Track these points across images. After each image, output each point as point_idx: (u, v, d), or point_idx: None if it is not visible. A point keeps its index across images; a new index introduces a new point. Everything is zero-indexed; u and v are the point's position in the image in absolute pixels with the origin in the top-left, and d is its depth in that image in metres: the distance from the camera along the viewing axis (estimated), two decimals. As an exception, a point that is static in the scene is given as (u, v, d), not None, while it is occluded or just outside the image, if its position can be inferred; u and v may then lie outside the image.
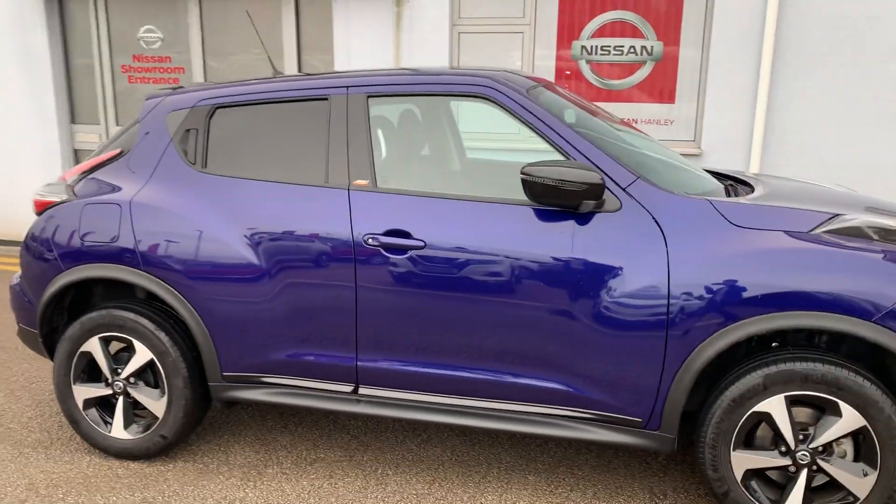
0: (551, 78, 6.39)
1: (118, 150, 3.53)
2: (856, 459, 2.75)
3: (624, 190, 2.90)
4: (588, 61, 6.30)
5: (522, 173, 2.82)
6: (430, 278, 2.98)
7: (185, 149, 3.38)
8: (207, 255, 3.21)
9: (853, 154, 5.91)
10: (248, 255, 3.17)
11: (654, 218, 2.84)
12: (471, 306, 2.96)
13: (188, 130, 3.40)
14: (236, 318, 3.23)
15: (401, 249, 3.00)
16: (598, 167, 2.92)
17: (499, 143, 6.47)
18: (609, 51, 6.23)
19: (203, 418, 3.54)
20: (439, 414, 3.11)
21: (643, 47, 6.17)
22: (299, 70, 6.96)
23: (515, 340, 2.95)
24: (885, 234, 2.78)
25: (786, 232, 2.76)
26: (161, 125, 3.45)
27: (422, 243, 2.98)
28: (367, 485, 3.26)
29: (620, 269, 2.81)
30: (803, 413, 2.78)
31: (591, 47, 6.26)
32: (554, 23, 6.29)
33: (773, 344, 2.97)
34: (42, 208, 3.52)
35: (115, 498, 3.17)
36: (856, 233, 2.75)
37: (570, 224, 2.88)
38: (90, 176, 3.54)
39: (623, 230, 2.85)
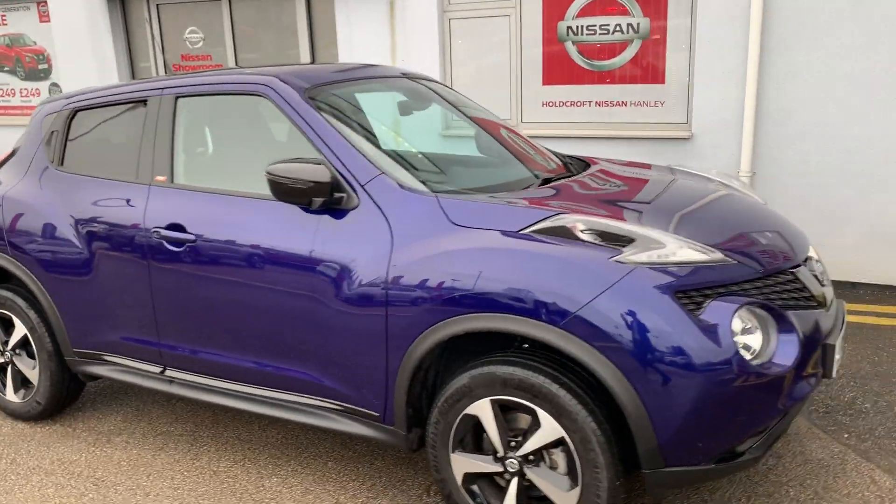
0: (538, 62, 6.21)
1: (13, 150, 4.03)
2: (569, 472, 2.60)
3: (362, 187, 2.90)
4: (574, 42, 6.05)
5: (266, 172, 2.91)
6: (200, 270, 3.17)
7: (49, 148, 3.80)
8: (52, 244, 3.60)
9: (862, 135, 5.23)
10: (78, 244, 3.52)
11: (383, 214, 2.83)
12: (233, 298, 3.11)
13: (53, 132, 3.81)
14: (76, 300, 3.60)
15: (179, 242, 3.21)
16: (342, 163, 2.94)
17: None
18: (595, 30, 5.95)
19: (78, 388, 3.97)
20: (229, 398, 3.28)
21: (629, 25, 5.83)
22: (312, 62, 7.29)
23: (272, 331, 3.06)
24: (604, 236, 2.56)
25: (500, 231, 2.65)
26: (38, 127, 3.89)
27: (193, 237, 3.17)
28: (181, 458, 3.53)
29: (350, 264, 2.83)
30: (525, 420, 2.66)
31: (577, 27, 6.01)
32: (538, 3, 6.10)
33: (525, 346, 2.85)
34: (-44, 201, 4.10)
35: (-19, 452, 3.68)
36: (561, 232, 2.57)
37: (316, 220, 2.94)
38: (-2, 171, 4.07)
39: (356, 226, 2.86)
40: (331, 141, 3.01)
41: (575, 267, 2.46)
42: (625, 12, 5.81)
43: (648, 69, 5.85)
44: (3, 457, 3.62)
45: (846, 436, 3.48)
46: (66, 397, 3.93)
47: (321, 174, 2.82)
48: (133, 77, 8.30)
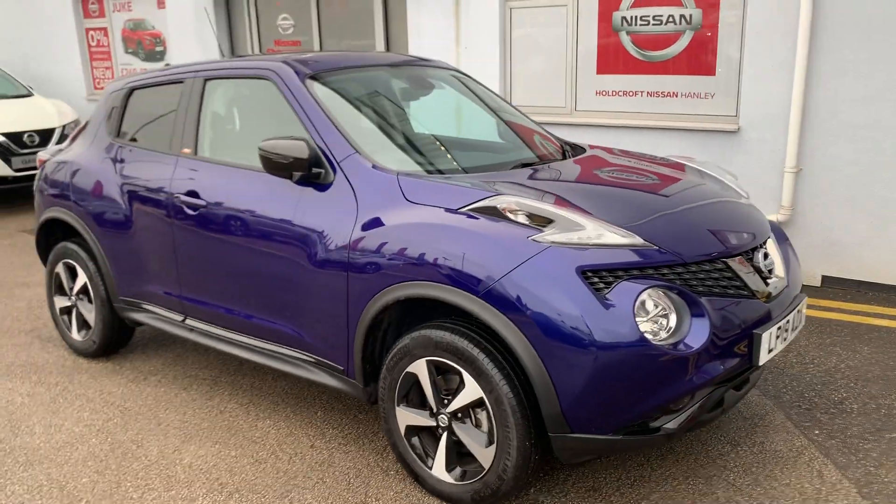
0: (593, 52, 6.30)
1: (87, 122, 4.65)
2: (489, 431, 2.83)
3: (339, 164, 3.23)
4: (629, 32, 6.10)
5: (258, 148, 3.29)
6: (208, 232, 3.61)
7: (109, 122, 4.38)
8: (105, 204, 4.17)
9: (915, 133, 5.03)
10: (124, 206, 4.07)
11: (353, 189, 3.15)
12: (234, 257, 3.54)
13: (113, 108, 4.38)
14: (121, 255, 4.16)
15: (194, 207, 3.67)
16: (323, 142, 3.28)
17: (547, 116, 6.59)
18: (648, 21, 5.97)
19: (128, 332, 4.55)
20: (233, 347, 3.71)
21: (682, 16, 5.82)
22: (386, 47, 7.68)
23: (263, 289, 3.46)
24: (532, 216, 2.76)
25: (443, 208, 2.90)
26: (104, 103, 4.48)
27: (205, 203, 3.62)
28: (198, 398, 4.02)
29: (323, 232, 3.17)
30: (456, 380, 2.91)
31: (631, 18, 6.05)
32: (595, -6, 6.19)
33: (473, 315, 3.08)
34: (41, 164, 4.78)
35: (47, 378, 4.32)
36: (492, 211, 2.79)
37: (299, 191, 3.29)
38: (75, 141, 4.71)
39: (331, 198, 3.20)
40: (316, 121, 3.35)
41: (497, 243, 2.69)
42: (678, 3, 5.81)
43: (699, 61, 5.82)
44: (59, 384, 4.25)
45: (816, 432, 3.49)
46: (117, 339, 4.52)
47: (300, 150, 3.17)
48: (233, 60, 9.00)
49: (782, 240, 3.42)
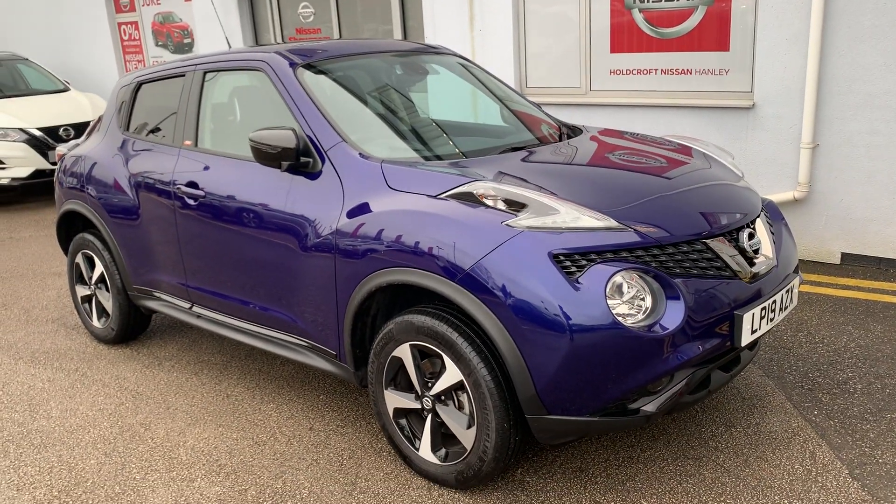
0: (606, 30, 6.23)
1: (100, 117, 4.79)
2: (471, 413, 2.87)
3: (326, 152, 3.28)
4: (641, 10, 6.01)
5: (249, 138, 3.35)
6: (208, 221, 3.71)
7: (119, 116, 4.51)
8: (116, 196, 4.31)
9: (936, 104, 4.87)
10: (132, 196, 4.20)
11: (339, 177, 3.21)
12: (232, 246, 3.62)
13: (122, 102, 4.51)
14: (133, 244, 4.29)
15: (194, 197, 3.77)
16: (312, 131, 3.33)
17: (562, 97, 6.55)
18: (661, -3, 5.88)
19: (144, 319, 4.70)
20: (237, 333, 3.82)
21: (694, -9, 5.72)
22: (403, 33, 7.70)
23: (261, 276, 3.54)
24: (508, 202, 2.77)
25: (422, 195, 2.93)
26: (114, 98, 4.61)
27: (203, 193, 3.71)
28: (207, 382, 4.14)
29: (312, 220, 3.23)
30: (438, 364, 2.94)
31: (644, -6, 5.97)
32: (607, -28, 6.11)
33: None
34: (59, 158, 4.95)
35: (68, 364, 4.50)
36: (469, 197, 2.81)
37: (290, 180, 3.36)
38: (91, 135, 4.86)
39: (319, 187, 3.26)
40: (305, 110, 3.41)
41: (472, 228, 2.72)
42: (690, -23, 5.70)
43: (713, 36, 5.71)
44: (78, 370, 4.42)
45: (815, 413, 3.45)
46: (134, 326, 4.67)
47: (288, 140, 3.23)
48: (257, 49, 9.12)
49: (777, 218, 3.37)
